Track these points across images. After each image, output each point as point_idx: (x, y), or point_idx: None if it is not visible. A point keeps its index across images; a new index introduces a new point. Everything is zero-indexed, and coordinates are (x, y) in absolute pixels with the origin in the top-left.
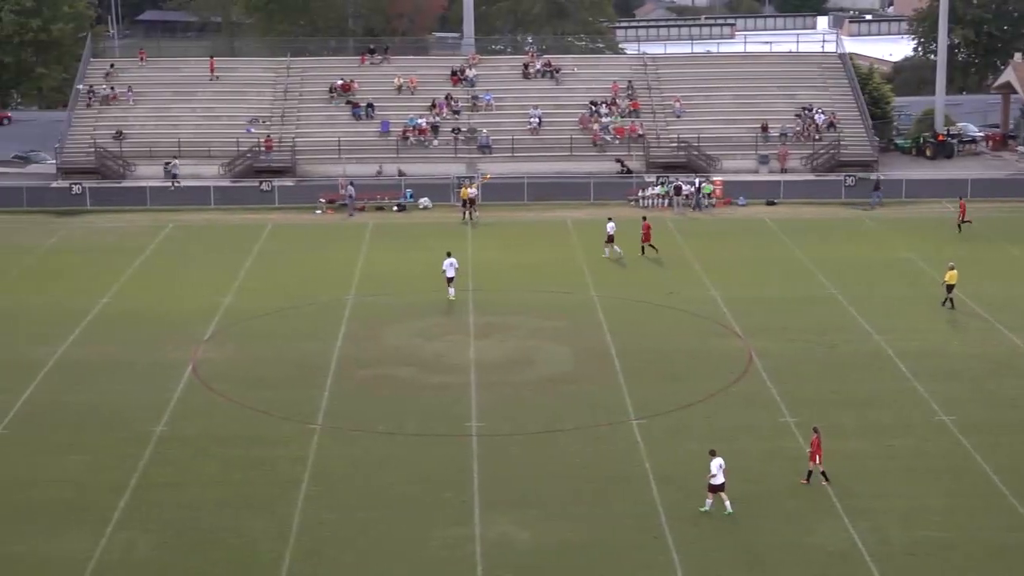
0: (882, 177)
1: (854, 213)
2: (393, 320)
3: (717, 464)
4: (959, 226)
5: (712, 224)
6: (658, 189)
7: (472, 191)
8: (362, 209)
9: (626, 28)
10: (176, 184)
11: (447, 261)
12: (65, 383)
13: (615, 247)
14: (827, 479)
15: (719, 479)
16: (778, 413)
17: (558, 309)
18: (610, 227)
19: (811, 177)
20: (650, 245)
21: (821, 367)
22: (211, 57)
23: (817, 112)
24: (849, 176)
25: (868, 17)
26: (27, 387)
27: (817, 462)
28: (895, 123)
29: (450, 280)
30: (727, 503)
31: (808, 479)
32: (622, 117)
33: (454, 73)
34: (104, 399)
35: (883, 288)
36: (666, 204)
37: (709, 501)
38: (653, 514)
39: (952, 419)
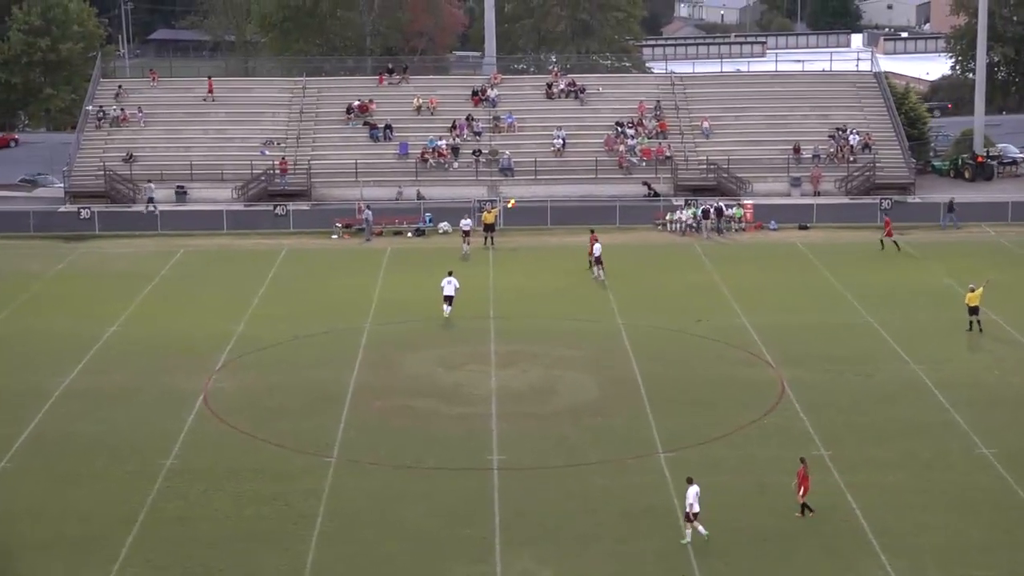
0: (955, 200)
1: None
2: (411, 348)
3: (694, 492)
4: (881, 242)
5: (742, 249)
6: (687, 213)
7: (466, 223)
8: (379, 234)
9: (653, 46)
10: (150, 209)
11: (446, 279)
12: (73, 413)
13: (601, 270)
14: (806, 511)
15: (696, 507)
16: (812, 446)
17: (583, 337)
18: (597, 248)
19: (845, 200)
20: (594, 260)
21: (856, 398)
22: (209, 78)
23: (851, 133)
24: (885, 199)
25: (904, 35)
26: (34, 417)
27: (801, 493)
28: (932, 144)
29: (448, 299)
30: (689, 532)
31: (802, 512)
32: (649, 138)
33: (475, 93)
34: (113, 430)
35: (921, 315)
36: (695, 228)
37: (689, 532)
38: (681, 551)
39: (993, 452)
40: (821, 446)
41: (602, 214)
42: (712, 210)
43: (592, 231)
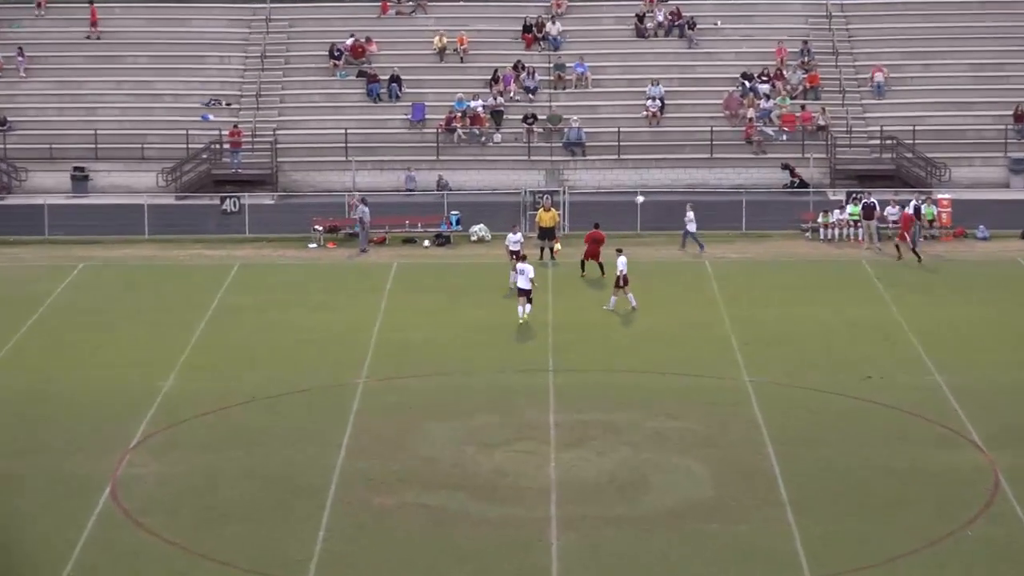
0: None
1: None
2: (429, 416)
3: None
4: (898, 248)
5: (935, 269)
6: (849, 212)
7: (515, 239)
8: (381, 241)
9: None
10: None
11: (519, 267)
12: None
13: (628, 295)
14: None
15: None
16: None
17: (690, 401)
18: (621, 264)
19: None
20: (585, 261)
21: None
22: (91, 3)
23: None
24: None
25: None
26: None
27: None
28: None
29: (523, 293)
30: None
31: None
32: (793, 98)
33: (527, 29)
34: None
35: None
36: (860, 236)
37: None
38: None
39: None
40: None
41: (721, 212)
42: (890, 208)
43: (597, 225)
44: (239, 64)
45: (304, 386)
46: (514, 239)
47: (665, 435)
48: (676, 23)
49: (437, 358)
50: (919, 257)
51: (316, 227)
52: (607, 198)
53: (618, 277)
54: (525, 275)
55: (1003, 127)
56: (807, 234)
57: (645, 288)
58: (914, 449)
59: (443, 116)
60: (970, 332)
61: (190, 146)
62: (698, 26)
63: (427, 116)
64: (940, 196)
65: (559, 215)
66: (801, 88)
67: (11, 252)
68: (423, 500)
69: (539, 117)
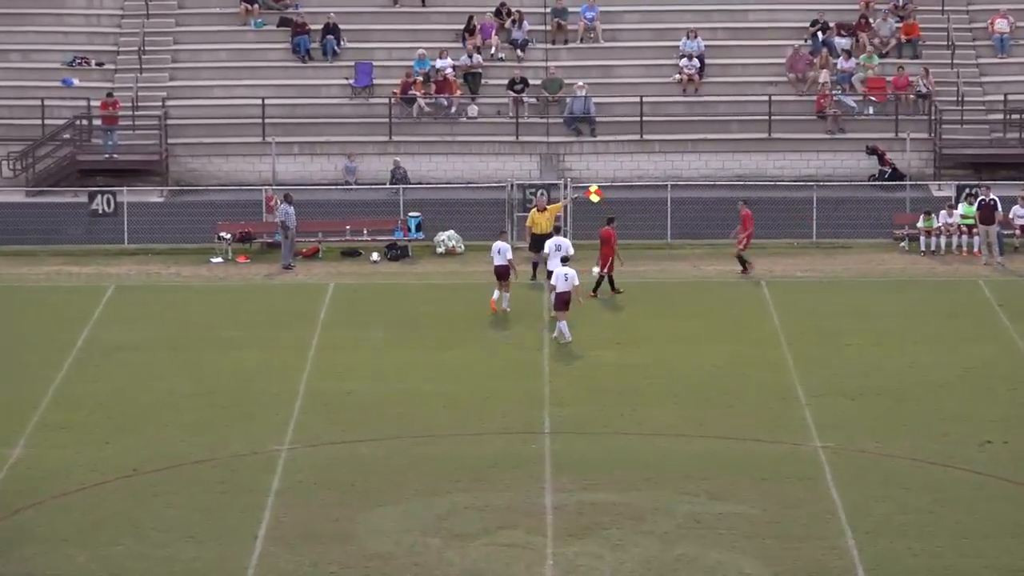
0: None
1: None
2: (379, 496)
3: None
4: (741, 260)
5: None
6: (961, 213)
7: (501, 248)
8: (312, 254)
9: None
10: None
11: (552, 241)
12: None
13: (561, 322)
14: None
15: None
16: None
17: (740, 474)
18: (560, 278)
19: None
20: (611, 274)
21: None
22: None
23: None
24: None
25: None
26: None
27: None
28: None
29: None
30: None
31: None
32: (882, 57)
33: None
34: None
35: None
36: (976, 247)
37: None
38: None
39: None
40: None
41: (783, 214)
42: (1021, 208)
43: (611, 220)
44: (114, 7)
45: (206, 455)
46: (500, 248)
47: (706, 522)
48: None
49: (389, 415)
50: (744, 266)
51: (222, 234)
52: (625, 194)
53: (558, 294)
54: (564, 250)
55: None
56: (902, 244)
57: (679, 317)
58: None
59: (398, 81)
60: None
61: (46, 122)
62: None
63: (376, 81)
64: None
65: (560, 210)
66: (894, 42)
67: None
68: None
69: (531, 82)
